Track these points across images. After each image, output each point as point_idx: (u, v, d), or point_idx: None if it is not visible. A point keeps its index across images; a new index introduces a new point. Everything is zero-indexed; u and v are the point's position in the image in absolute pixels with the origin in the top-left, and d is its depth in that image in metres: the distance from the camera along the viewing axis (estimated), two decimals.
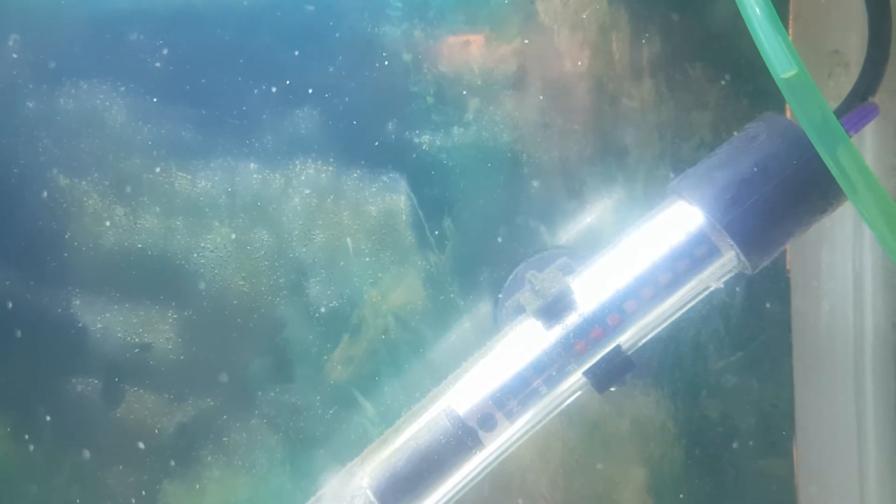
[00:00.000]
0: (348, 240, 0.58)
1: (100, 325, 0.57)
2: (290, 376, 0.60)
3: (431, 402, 0.51)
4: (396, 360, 0.60)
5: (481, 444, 0.49)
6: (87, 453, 0.58)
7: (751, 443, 0.62)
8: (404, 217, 0.60)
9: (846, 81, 0.58)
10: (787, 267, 0.61)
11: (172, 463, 0.59)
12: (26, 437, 0.58)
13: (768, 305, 0.61)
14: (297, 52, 0.57)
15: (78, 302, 0.57)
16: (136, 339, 0.58)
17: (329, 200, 0.59)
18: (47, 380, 0.58)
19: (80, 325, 0.57)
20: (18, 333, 0.57)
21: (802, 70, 0.42)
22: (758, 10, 0.44)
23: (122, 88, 0.55)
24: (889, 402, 0.59)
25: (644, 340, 0.50)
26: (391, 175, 0.59)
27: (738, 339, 0.61)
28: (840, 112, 0.47)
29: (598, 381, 0.49)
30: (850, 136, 0.46)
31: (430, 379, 0.60)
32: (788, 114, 0.51)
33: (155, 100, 0.56)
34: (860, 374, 0.60)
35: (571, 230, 0.61)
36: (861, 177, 0.43)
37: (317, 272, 0.59)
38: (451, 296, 0.60)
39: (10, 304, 0.57)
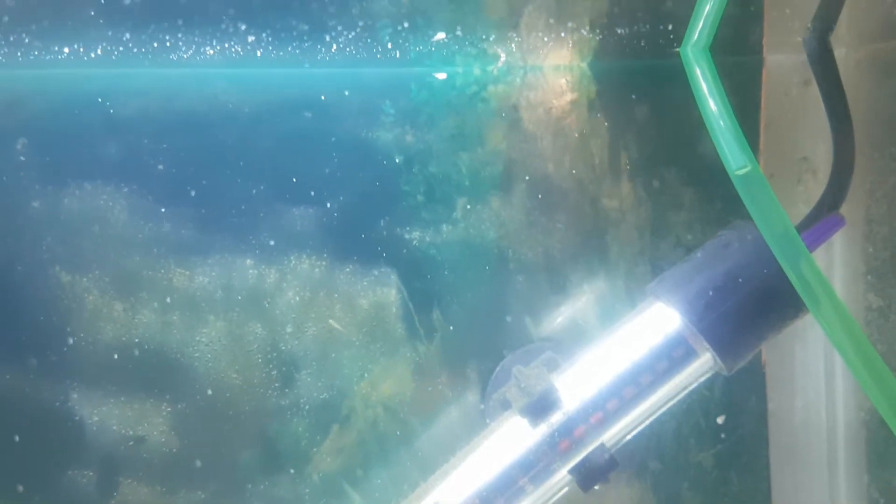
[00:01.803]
0: (331, 321, 0.60)
1: (96, 418, 0.58)
2: (279, 468, 0.61)
3: (419, 498, 0.52)
4: (385, 451, 0.62)
5: None
6: None
7: None
8: (394, 309, 0.62)
9: (815, 187, 0.61)
10: (763, 363, 0.63)
11: None
12: None
13: (746, 400, 0.63)
14: (294, 155, 0.59)
15: (76, 395, 0.58)
16: (131, 432, 0.59)
17: (322, 294, 0.61)
18: (44, 470, 0.58)
19: (77, 417, 0.58)
20: (17, 425, 0.58)
21: (755, 167, 0.45)
22: (713, 107, 0.47)
23: (125, 189, 0.58)
24: (861, 495, 0.61)
25: (627, 438, 0.52)
26: (382, 269, 0.61)
27: (718, 433, 0.63)
28: (806, 224, 0.50)
29: (582, 479, 0.51)
30: (817, 247, 0.49)
31: (418, 470, 0.61)
32: None
33: (157, 200, 0.58)
34: (833, 467, 0.62)
35: (556, 323, 0.63)
36: (822, 291, 0.45)
37: (308, 364, 0.61)
38: (440, 386, 0.62)
39: (10, 397, 0.58)
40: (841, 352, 0.42)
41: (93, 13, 0.51)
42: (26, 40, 0.54)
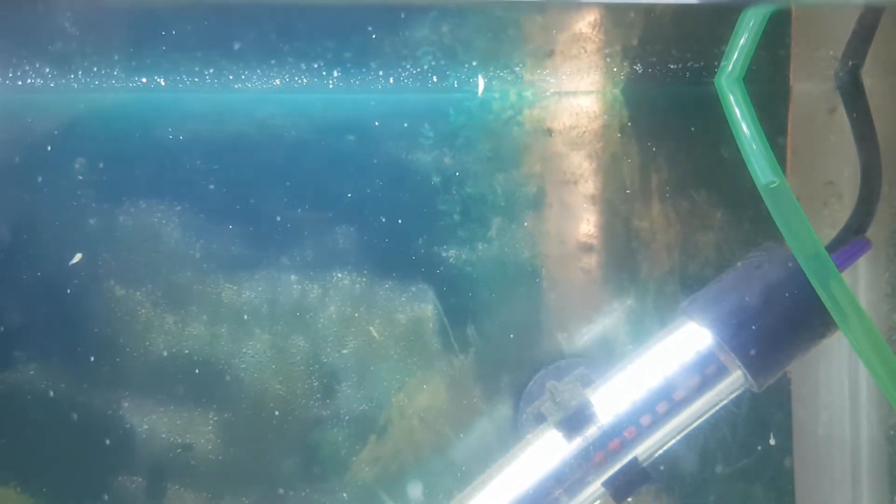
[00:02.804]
0: (371, 328, 0.62)
1: (146, 426, 0.61)
2: (320, 476, 0.63)
3: None
4: (421, 461, 0.64)
5: None
6: None
7: None
8: (431, 325, 0.64)
9: (840, 210, 0.63)
10: (789, 379, 0.65)
11: None
12: None
13: (771, 415, 0.65)
14: (338, 176, 0.62)
15: (127, 404, 0.60)
16: (179, 440, 0.61)
17: (362, 309, 0.63)
18: (94, 477, 0.61)
19: (129, 425, 0.60)
20: (70, 432, 0.60)
21: (783, 181, 0.47)
22: (746, 130, 0.49)
23: (178, 208, 0.60)
24: None
25: (659, 452, 0.54)
26: (420, 286, 0.64)
27: (744, 448, 0.65)
28: (834, 246, 0.52)
29: (615, 492, 0.52)
30: (845, 269, 0.51)
31: (453, 480, 0.63)
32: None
33: (207, 218, 0.61)
34: (857, 482, 0.64)
35: (588, 339, 0.65)
36: (851, 309, 0.47)
37: (348, 376, 0.63)
38: (474, 399, 0.64)
39: (65, 405, 0.60)
40: (870, 368, 0.44)
41: (151, 41, 0.54)
42: (85, 66, 0.56)
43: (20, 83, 0.56)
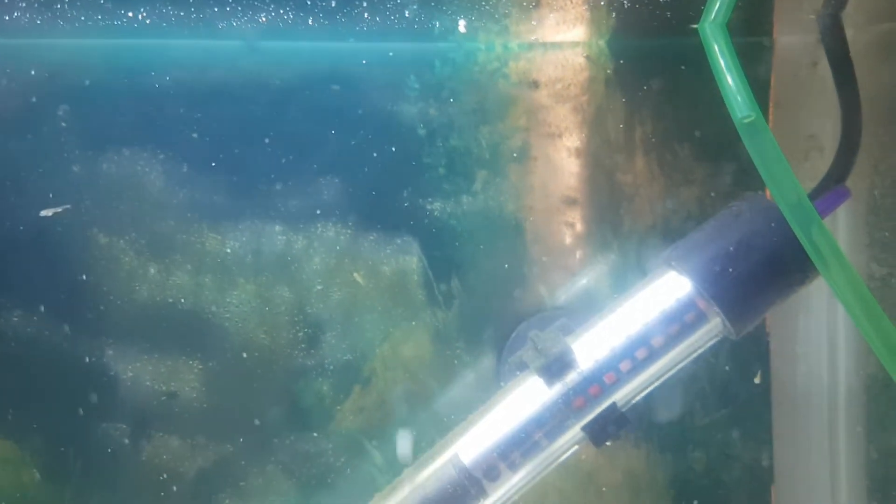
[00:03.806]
0: (356, 275, 0.63)
1: (130, 374, 0.61)
2: (304, 425, 0.63)
3: (439, 452, 0.55)
4: (404, 410, 0.64)
5: (485, 493, 0.53)
6: (112, 494, 0.61)
7: (734, 494, 0.66)
8: (415, 277, 0.64)
9: (821, 163, 0.63)
10: (767, 331, 0.66)
11: None
12: (57, 476, 0.61)
13: (750, 366, 0.66)
14: (322, 127, 0.62)
15: (111, 352, 0.61)
16: (164, 388, 0.62)
17: (346, 261, 0.63)
18: (78, 423, 0.61)
19: (113, 373, 0.61)
20: (55, 379, 0.61)
21: (759, 116, 0.47)
22: (723, 66, 0.49)
23: (161, 156, 0.60)
24: (860, 458, 0.64)
25: (637, 398, 0.54)
26: (404, 238, 0.64)
27: (723, 398, 0.65)
28: (815, 194, 0.52)
29: (595, 436, 0.53)
30: (824, 217, 0.52)
31: (435, 429, 0.63)
32: (769, 194, 0.56)
33: (191, 167, 0.61)
34: (834, 431, 0.65)
35: (570, 292, 0.65)
36: (832, 254, 0.48)
37: (333, 327, 0.63)
38: (457, 351, 0.65)
39: (48, 353, 0.60)
40: (851, 313, 0.45)
41: None
42: (67, 7, 0.56)
43: (5, 18, 0.55)
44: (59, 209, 0.58)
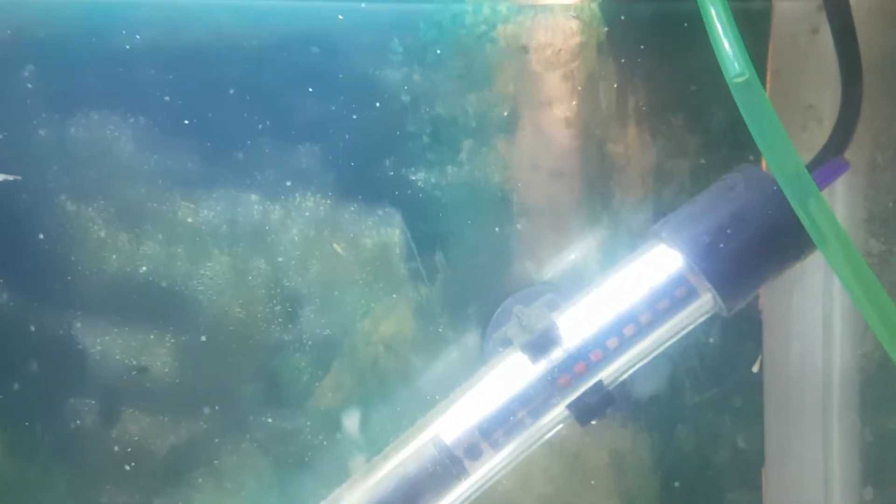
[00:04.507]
0: (335, 245, 0.60)
1: (99, 348, 0.59)
2: (281, 402, 0.61)
3: (419, 430, 0.53)
4: (385, 388, 0.62)
5: (467, 472, 0.51)
6: (80, 471, 0.59)
7: (723, 475, 0.65)
8: (398, 250, 0.62)
9: (819, 134, 0.61)
10: (760, 309, 0.64)
11: (164, 484, 0.60)
12: (22, 453, 0.59)
13: (742, 345, 0.64)
14: (300, 91, 0.59)
15: (79, 324, 0.58)
16: (134, 362, 0.59)
17: (326, 232, 0.61)
18: (45, 398, 0.59)
19: (80, 346, 0.58)
20: (20, 352, 0.58)
21: (753, 76, 0.45)
22: (718, 25, 0.46)
23: (132, 120, 0.58)
24: (854, 441, 0.62)
25: (625, 376, 0.53)
26: (387, 209, 0.62)
27: (713, 377, 0.64)
28: (812, 166, 0.50)
29: (580, 414, 0.51)
30: (822, 190, 0.50)
31: (417, 407, 0.62)
32: (764, 166, 0.54)
33: (162, 132, 0.58)
34: (827, 413, 0.63)
35: (557, 267, 0.63)
36: (830, 228, 0.46)
37: (311, 301, 0.61)
38: (440, 327, 0.63)
39: (14, 325, 0.58)
40: (849, 288, 0.43)
41: None
42: None
43: None
44: (10, 177, 0.55)
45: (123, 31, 0.57)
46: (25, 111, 0.57)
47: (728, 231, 0.50)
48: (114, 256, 0.58)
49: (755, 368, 0.64)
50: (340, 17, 0.58)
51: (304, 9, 0.59)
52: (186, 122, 0.58)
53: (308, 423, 0.62)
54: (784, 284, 0.63)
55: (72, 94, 0.57)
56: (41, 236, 0.58)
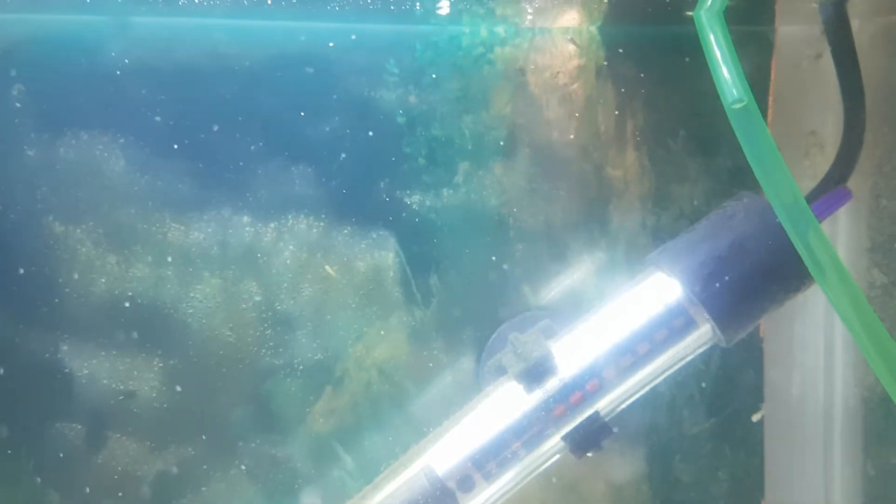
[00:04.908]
0: (327, 267, 0.59)
1: (86, 371, 0.58)
2: (271, 427, 0.60)
3: (411, 459, 0.52)
4: (378, 413, 0.61)
5: None
6: (67, 497, 0.58)
7: None
8: (392, 273, 0.61)
9: (821, 161, 0.60)
10: (762, 337, 0.63)
11: None
12: (7, 479, 0.58)
13: (742, 374, 0.63)
14: (294, 112, 0.58)
15: (66, 347, 0.57)
16: (122, 387, 0.58)
17: (319, 255, 0.60)
18: (31, 423, 0.58)
19: (67, 370, 0.57)
20: (5, 376, 0.57)
21: (752, 102, 0.44)
22: (717, 53, 0.45)
23: (122, 140, 0.57)
24: (856, 473, 0.61)
25: (622, 407, 0.51)
26: (381, 232, 0.61)
27: (713, 406, 0.63)
28: (815, 195, 0.49)
29: (576, 446, 0.50)
30: (824, 219, 0.49)
31: (410, 434, 0.60)
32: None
33: (153, 152, 0.57)
34: (829, 445, 0.62)
35: (554, 292, 0.62)
36: (829, 261, 0.45)
37: (303, 325, 0.60)
38: (435, 352, 0.62)
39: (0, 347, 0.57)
40: (847, 324, 0.42)
41: None
42: None
43: None
44: None
45: (115, 51, 0.56)
46: (14, 131, 0.56)
47: (728, 261, 0.48)
48: (102, 278, 0.57)
49: (755, 418, 0.63)
50: (331, 44, 0.57)
51: (299, 29, 0.58)
52: (178, 142, 0.57)
53: (298, 449, 0.60)
54: (785, 313, 0.62)
55: (62, 114, 0.57)
56: (29, 257, 0.57)
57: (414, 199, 0.60)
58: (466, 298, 0.61)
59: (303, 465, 0.60)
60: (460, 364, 0.62)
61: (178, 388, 0.59)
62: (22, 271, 0.57)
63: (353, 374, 0.61)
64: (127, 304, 0.58)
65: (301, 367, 0.60)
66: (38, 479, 0.58)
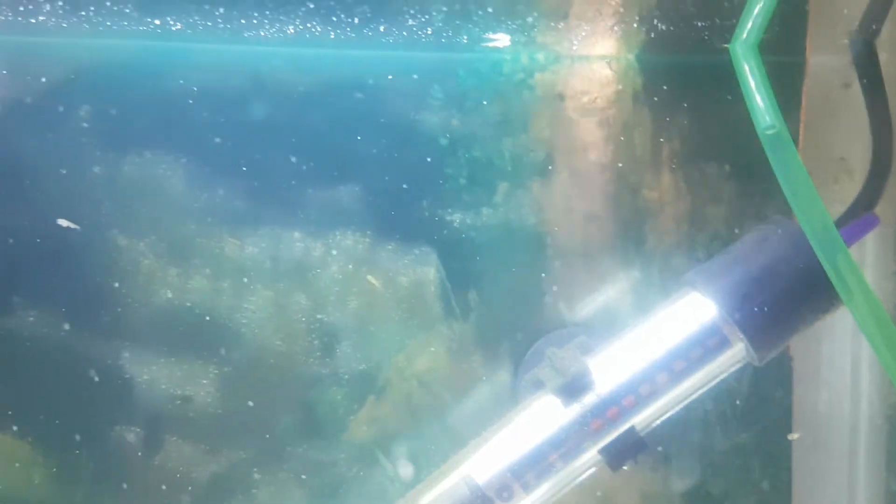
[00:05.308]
0: (370, 277, 0.62)
1: (146, 377, 0.61)
2: (317, 433, 0.63)
3: (452, 468, 0.54)
4: (418, 422, 0.64)
5: None
6: (124, 497, 0.61)
7: None
8: (433, 288, 0.64)
9: (850, 187, 0.62)
10: (791, 356, 0.65)
11: None
12: (68, 479, 0.61)
13: (772, 391, 0.64)
14: (343, 134, 0.61)
15: (127, 354, 0.61)
16: (179, 392, 0.61)
17: (364, 270, 0.63)
18: (92, 426, 0.61)
19: (128, 375, 0.61)
20: (69, 381, 0.61)
21: (783, 129, 0.46)
22: (752, 84, 0.47)
23: (183, 160, 0.60)
24: (880, 489, 0.62)
25: (657, 422, 0.53)
26: (423, 249, 0.63)
27: (744, 423, 0.64)
28: (843, 221, 0.51)
29: (612, 459, 0.52)
30: (852, 245, 0.50)
31: (449, 443, 0.63)
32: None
33: (212, 172, 0.60)
34: (854, 461, 0.63)
35: (589, 309, 0.64)
36: (857, 285, 0.47)
37: (348, 336, 0.63)
38: (473, 364, 0.64)
39: (65, 354, 0.60)
40: (873, 345, 0.44)
41: None
42: (93, 10, 0.56)
43: (31, 20, 0.55)
44: (73, 225, 0.58)
45: (178, 76, 0.59)
46: (81, 149, 0.59)
47: (761, 283, 0.50)
48: (163, 289, 0.61)
49: (792, 437, 0.64)
50: (390, 77, 0.60)
51: (349, 57, 0.61)
52: (235, 162, 0.60)
53: (343, 455, 0.63)
54: (814, 332, 0.63)
55: (126, 134, 0.60)
56: (93, 269, 0.60)
57: (455, 218, 0.63)
58: (504, 313, 0.64)
59: (346, 470, 0.63)
60: (497, 377, 0.64)
61: (232, 395, 0.62)
62: (87, 282, 0.60)
63: (394, 385, 0.64)
64: (185, 314, 0.61)
65: (346, 377, 0.63)
66: (97, 480, 0.61)
